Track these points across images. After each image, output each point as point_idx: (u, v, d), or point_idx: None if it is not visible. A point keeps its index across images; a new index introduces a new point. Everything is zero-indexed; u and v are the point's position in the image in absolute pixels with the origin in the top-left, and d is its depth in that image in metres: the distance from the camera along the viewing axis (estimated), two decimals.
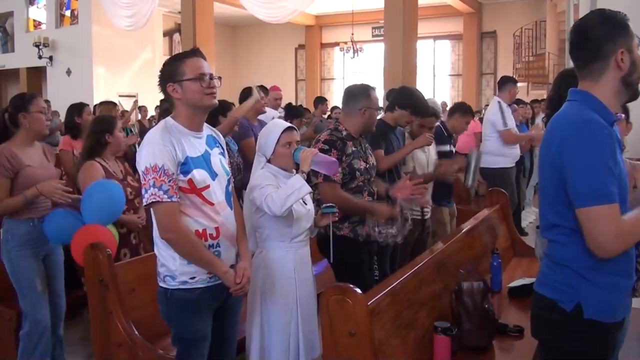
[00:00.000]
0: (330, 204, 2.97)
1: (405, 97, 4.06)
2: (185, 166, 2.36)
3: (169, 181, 2.30)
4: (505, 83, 6.58)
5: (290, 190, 2.68)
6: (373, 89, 3.50)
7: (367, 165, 3.39)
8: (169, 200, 2.31)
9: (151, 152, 2.32)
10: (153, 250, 2.54)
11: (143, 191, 2.34)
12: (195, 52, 2.47)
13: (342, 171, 3.24)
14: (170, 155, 2.32)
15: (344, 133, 3.34)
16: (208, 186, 2.41)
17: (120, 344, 2.99)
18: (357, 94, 3.41)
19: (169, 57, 2.62)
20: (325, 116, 9.35)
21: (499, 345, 2.85)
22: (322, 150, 3.20)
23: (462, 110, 5.18)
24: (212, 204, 2.42)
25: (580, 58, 1.94)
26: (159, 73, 2.47)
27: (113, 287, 3.02)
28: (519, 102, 7.68)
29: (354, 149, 3.32)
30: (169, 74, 2.42)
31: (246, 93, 5.34)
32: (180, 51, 2.91)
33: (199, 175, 2.38)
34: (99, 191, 3.36)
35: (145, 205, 2.39)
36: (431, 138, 4.17)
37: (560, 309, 1.89)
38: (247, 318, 2.88)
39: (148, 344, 2.96)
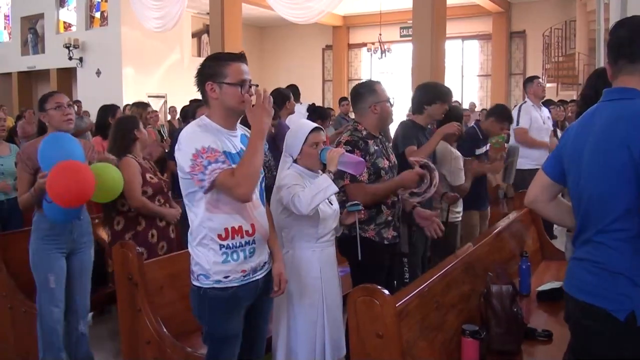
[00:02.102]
0: (356, 202, 2.97)
1: (428, 92, 4.01)
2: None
3: (220, 155, 2.31)
4: (527, 84, 6.52)
5: (316, 190, 2.69)
6: (376, 82, 3.45)
7: (390, 164, 3.38)
8: (227, 167, 2.31)
9: (194, 139, 2.33)
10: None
11: (200, 175, 2.29)
12: (240, 57, 2.47)
13: (367, 171, 3.23)
14: (212, 139, 2.34)
15: (364, 132, 3.31)
16: None
17: (149, 341, 3.03)
18: (362, 93, 3.37)
19: (197, 57, 2.65)
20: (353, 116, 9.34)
21: (527, 350, 2.82)
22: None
23: (498, 115, 4.94)
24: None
25: (634, 53, 1.90)
26: (199, 68, 2.48)
27: (142, 284, 3.06)
28: (549, 102, 7.57)
29: (376, 147, 3.30)
30: (211, 72, 2.42)
31: (282, 94, 5.39)
32: (209, 52, 2.94)
33: None
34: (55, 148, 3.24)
35: (209, 186, 2.32)
36: (459, 126, 4.06)
37: (613, 319, 1.83)
38: (274, 318, 2.89)
39: (176, 342, 2.99)
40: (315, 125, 2.92)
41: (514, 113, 6.40)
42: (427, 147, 3.84)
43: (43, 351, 3.40)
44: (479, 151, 4.74)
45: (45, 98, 3.39)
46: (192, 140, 2.33)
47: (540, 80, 6.58)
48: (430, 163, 3.41)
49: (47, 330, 3.37)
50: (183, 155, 2.35)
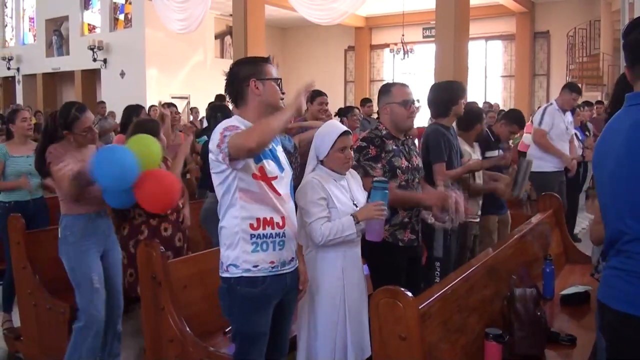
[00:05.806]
0: (384, 179, 2.98)
1: (451, 92, 4.00)
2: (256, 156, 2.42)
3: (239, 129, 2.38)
4: (563, 89, 6.45)
5: (337, 231, 2.74)
6: (397, 84, 3.45)
7: (410, 165, 3.35)
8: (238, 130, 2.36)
9: (225, 123, 2.40)
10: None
11: (223, 146, 2.31)
12: (271, 61, 2.60)
13: (382, 168, 3.23)
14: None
15: (384, 132, 3.33)
16: (276, 177, 2.48)
17: (172, 339, 3.05)
18: (381, 93, 3.42)
19: (220, 58, 2.70)
20: (375, 117, 9.32)
21: (550, 355, 2.79)
22: (360, 148, 3.24)
23: (508, 117, 4.98)
24: (279, 194, 2.48)
25: None
26: (235, 71, 2.54)
27: (166, 283, 3.09)
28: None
29: (394, 147, 3.30)
30: (254, 71, 2.50)
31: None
32: (232, 54, 2.98)
33: (269, 165, 2.46)
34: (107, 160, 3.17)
35: (227, 152, 2.31)
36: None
37: None
38: (297, 317, 2.89)
39: (198, 341, 3.01)
40: (344, 128, 2.91)
41: (538, 113, 6.38)
42: (454, 174, 3.90)
43: (87, 353, 3.39)
44: (490, 153, 4.70)
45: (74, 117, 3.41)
46: (223, 124, 2.41)
47: (574, 95, 6.42)
48: (455, 190, 3.38)
49: (92, 333, 3.36)
50: (213, 141, 2.38)
